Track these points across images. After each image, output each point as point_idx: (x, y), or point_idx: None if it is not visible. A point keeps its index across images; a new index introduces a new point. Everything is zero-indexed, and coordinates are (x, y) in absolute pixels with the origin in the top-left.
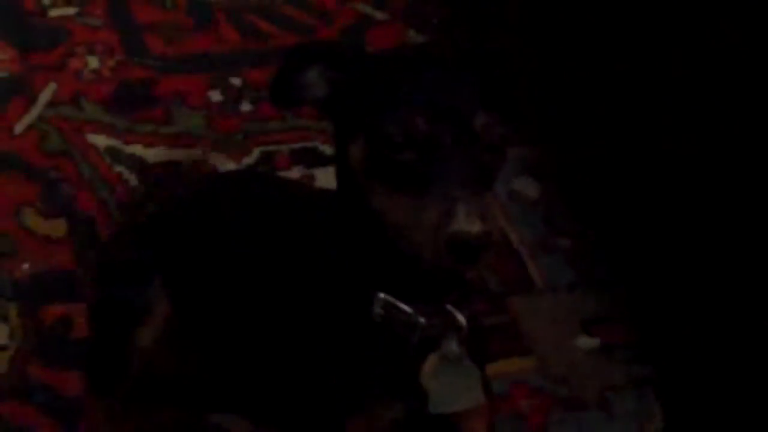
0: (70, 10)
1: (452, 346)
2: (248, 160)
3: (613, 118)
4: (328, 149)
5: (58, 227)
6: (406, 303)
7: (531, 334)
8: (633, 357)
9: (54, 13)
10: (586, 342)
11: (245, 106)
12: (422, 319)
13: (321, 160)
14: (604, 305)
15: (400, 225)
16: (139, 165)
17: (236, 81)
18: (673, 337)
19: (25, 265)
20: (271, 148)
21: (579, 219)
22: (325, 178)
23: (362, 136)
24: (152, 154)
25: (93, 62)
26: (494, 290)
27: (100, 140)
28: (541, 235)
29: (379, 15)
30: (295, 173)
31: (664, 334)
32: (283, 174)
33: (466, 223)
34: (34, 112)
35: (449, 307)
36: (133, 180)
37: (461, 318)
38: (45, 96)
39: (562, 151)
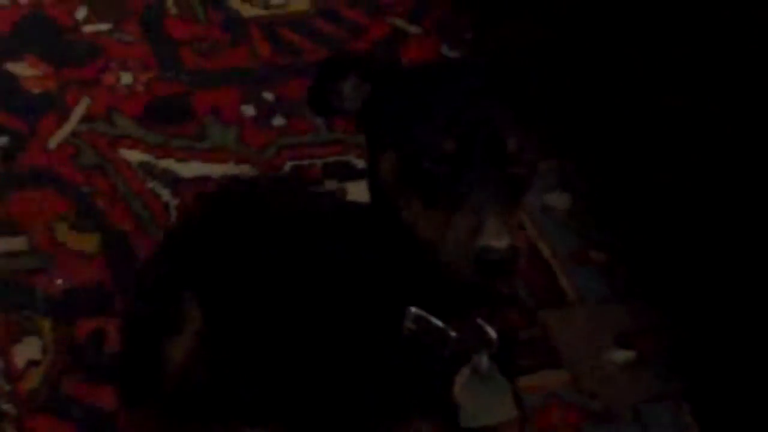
0: (104, 26)
1: (483, 361)
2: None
3: (646, 131)
4: (360, 163)
5: (91, 242)
6: (438, 317)
7: (563, 347)
8: (667, 370)
9: (88, 29)
10: (619, 355)
11: (278, 121)
12: (453, 334)
13: (353, 174)
14: (637, 318)
15: (429, 239)
16: (172, 180)
17: (269, 95)
18: (708, 350)
19: (59, 281)
20: (303, 162)
21: (611, 232)
22: (358, 191)
23: (392, 150)
24: (186, 169)
25: (126, 77)
26: (526, 304)
27: (134, 155)
28: (573, 248)
29: (413, 29)
30: (327, 187)
31: (698, 346)
32: (315, 188)
33: (494, 238)
34: (68, 127)
35: (480, 321)
36: (165, 195)
37: (492, 332)
38: (79, 111)
39: (594, 165)
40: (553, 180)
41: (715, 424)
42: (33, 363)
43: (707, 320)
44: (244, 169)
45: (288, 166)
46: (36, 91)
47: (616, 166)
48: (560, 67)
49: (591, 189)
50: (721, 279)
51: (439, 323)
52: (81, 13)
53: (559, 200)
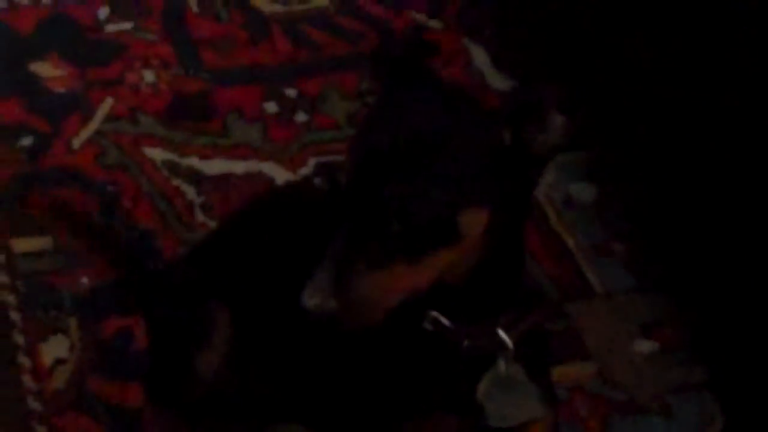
0: (126, 25)
1: (501, 367)
2: (304, 171)
3: (671, 121)
4: None
5: None
6: (458, 321)
7: (588, 338)
8: (692, 360)
9: (110, 28)
10: (644, 346)
11: (300, 117)
12: (466, 342)
13: None
14: (661, 309)
15: None
16: (196, 177)
17: (291, 92)
18: (732, 340)
19: (85, 279)
20: (326, 158)
21: (636, 223)
22: None
23: None
24: (209, 167)
25: (149, 76)
26: (551, 296)
27: (157, 153)
28: (598, 240)
29: (433, 23)
30: None
31: (722, 336)
32: None
33: (307, 295)
34: (92, 126)
35: (498, 329)
36: (190, 193)
37: (507, 340)
38: (102, 111)
39: (618, 156)
40: (578, 171)
41: (739, 414)
42: (60, 361)
43: (731, 310)
44: (268, 167)
45: (311, 162)
46: (60, 91)
47: (640, 158)
48: (582, 60)
49: (615, 181)
50: (744, 269)
51: (452, 328)
52: (103, 12)
53: (583, 192)
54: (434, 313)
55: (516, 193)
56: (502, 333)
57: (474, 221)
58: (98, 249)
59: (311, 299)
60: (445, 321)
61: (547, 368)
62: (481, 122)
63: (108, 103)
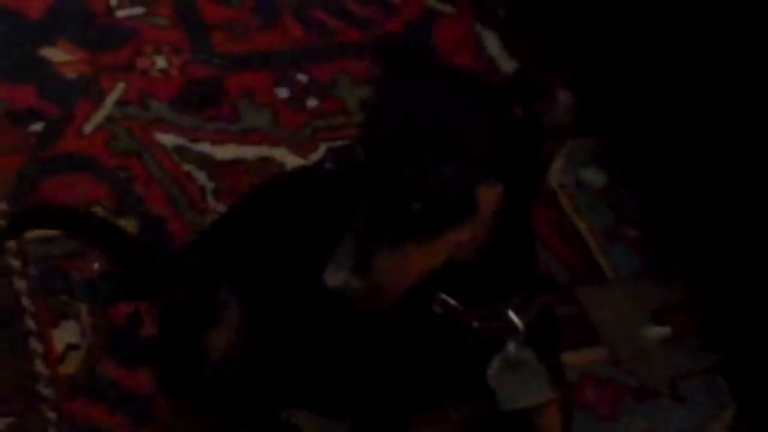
0: (137, 10)
1: (511, 349)
2: (315, 156)
3: (681, 106)
4: None
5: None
6: (466, 304)
7: (599, 323)
8: (703, 345)
9: (121, 13)
10: (655, 331)
11: (312, 102)
12: (476, 323)
13: None
14: (672, 294)
15: None
16: (208, 163)
17: (302, 77)
18: (745, 325)
19: (95, 265)
20: (337, 143)
21: (647, 207)
22: None
23: None
24: (220, 152)
25: (160, 61)
26: (562, 280)
27: (168, 139)
28: (608, 225)
29: (445, 8)
30: None
31: (734, 321)
32: None
33: (330, 275)
34: (103, 112)
35: (508, 310)
36: (201, 178)
37: (518, 322)
38: (113, 96)
39: (629, 141)
40: (588, 156)
41: (752, 399)
42: (72, 347)
43: (743, 295)
44: (279, 152)
45: (322, 147)
46: (70, 76)
47: (650, 142)
48: (594, 45)
49: (626, 165)
50: (756, 254)
51: (461, 310)
52: None
53: (594, 177)
54: (443, 296)
55: (526, 170)
56: (512, 315)
57: (490, 195)
58: (98, 246)
59: (334, 279)
60: (454, 303)
61: (557, 350)
62: (492, 98)
63: (119, 89)
